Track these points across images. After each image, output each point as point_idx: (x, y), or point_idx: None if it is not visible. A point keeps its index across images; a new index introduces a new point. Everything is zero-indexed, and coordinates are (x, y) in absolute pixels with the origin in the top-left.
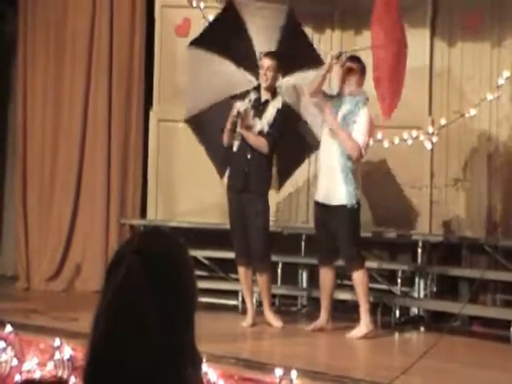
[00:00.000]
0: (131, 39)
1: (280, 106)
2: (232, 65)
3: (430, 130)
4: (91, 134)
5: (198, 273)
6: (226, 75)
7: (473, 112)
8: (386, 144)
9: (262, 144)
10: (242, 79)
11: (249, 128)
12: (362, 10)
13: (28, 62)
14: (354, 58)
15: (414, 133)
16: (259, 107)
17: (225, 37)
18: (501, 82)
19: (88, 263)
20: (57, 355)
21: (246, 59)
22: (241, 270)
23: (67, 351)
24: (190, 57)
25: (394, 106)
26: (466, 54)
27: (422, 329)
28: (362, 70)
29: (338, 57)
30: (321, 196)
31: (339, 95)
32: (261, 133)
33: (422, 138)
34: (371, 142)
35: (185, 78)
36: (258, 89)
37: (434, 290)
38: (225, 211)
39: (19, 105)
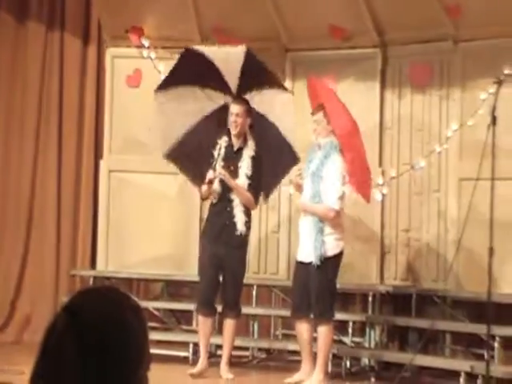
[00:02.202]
0: (82, 89)
1: (254, 154)
2: (197, 89)
3: (380, 181)
4: (41, 184)
5: (148, 324)
6: (193, 100)
7: (422, 163)
8: None
9: (250, 202)
10: (210, 99)
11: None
12: (313, 61)
13: None
14: (317, 108)
15: None
16: (233, 155)
17: (188, 72)
18: (449, 134)
19: (37, 314)
20: None
21: (211, 80)
22: (201, 319)
23: None
24: (156, 103)
25: (369, 190)
26: (416, 107)
27: (373, 379)
28: (327, 117)
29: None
30: (298, 254)
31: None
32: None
33: (372, 189)
34: (347, 190)
35: (144, 126)
36: (227, 134)
37: (385, 340)
38: (176, 262)
39: None
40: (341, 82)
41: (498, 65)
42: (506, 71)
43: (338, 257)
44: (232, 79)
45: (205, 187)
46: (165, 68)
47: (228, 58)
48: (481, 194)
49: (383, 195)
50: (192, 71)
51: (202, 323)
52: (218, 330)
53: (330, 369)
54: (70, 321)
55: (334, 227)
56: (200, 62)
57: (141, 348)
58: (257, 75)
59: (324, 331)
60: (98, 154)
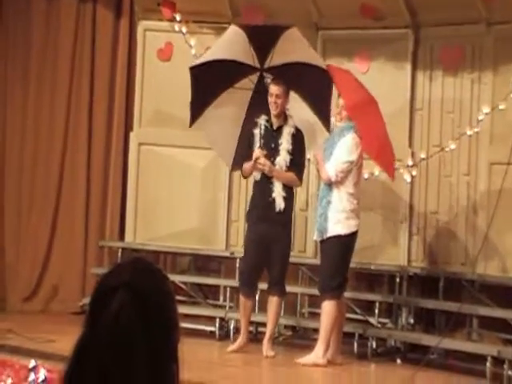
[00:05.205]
0: (113, 62)
1: (294, 131)
2: (227, 90)
3: (410, 162)
4: (71, 156)
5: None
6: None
7: (452, 146)
8: (365, 175)
9: (293, 180)
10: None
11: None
12: (344, 40)
13: (8, 81)
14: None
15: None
16: (272, 134)
17: (208, 86)
18: (480, 117)
19: (65, 284)
20: (31, 376)
21: (233, 74)
22: (242, 298)
23: (42, 373)
24: (203, 133)
25: (392, 165)
26: (447, 89)
27: (399, 361)
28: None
29: None
30: None
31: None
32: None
33: (401, 170)
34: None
35: (174, 100)
36: (267, 114)
37: (411, 321)
38: (203, 236)
39: None
40: (372, 61)
41: None
42: None
43: (349, 237)
44: (249, 58)
45: (250, 164)
46: (195, 42)
47: (235, 42)
48: (511, 179)
49: (412, 177)
50: (211, 82)
51: (243, 303)
52: (261, 307)
53: (355, 349)
54: (131, 297)
55: (336, 206)
56: (211, 69)
57: (178, 318)
58: (263, 38)
59: (325, 307)
60: (128, 127)
